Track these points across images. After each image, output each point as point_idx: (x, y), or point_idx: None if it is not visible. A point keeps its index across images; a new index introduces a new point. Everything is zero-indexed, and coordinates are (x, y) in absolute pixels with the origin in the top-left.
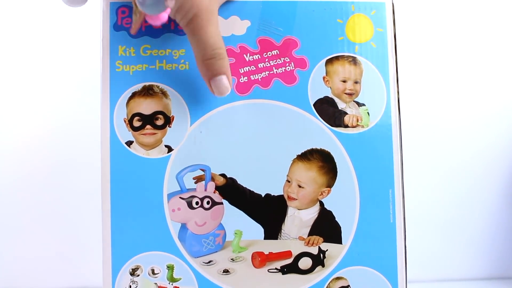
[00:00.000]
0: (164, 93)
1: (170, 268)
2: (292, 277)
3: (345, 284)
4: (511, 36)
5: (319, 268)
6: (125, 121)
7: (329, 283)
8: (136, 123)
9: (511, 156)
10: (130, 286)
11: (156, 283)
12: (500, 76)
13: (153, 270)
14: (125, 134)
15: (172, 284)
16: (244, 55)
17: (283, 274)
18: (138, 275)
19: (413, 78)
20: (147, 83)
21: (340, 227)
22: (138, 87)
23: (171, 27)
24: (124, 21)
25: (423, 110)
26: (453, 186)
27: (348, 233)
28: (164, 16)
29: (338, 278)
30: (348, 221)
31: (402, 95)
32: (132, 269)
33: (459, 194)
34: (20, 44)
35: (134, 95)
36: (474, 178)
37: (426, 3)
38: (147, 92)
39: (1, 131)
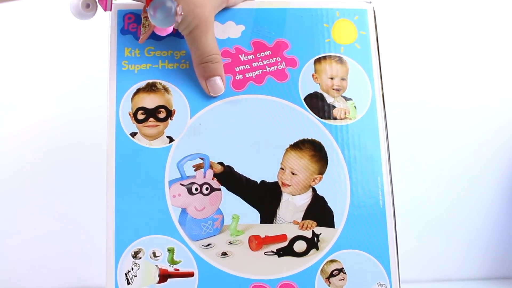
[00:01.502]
0: (166, 89)
1: (171, 251)
2: (288, 259)
3: (339, 267)
4: (496, 32)
5: (313, 251)
6: (129, 115)
7: (323, 266)
8: (140, 116)
9: (511, 152)
10: (132, 269)
11: (157, 266)
12: (485, 72)
13: (154, 253)
14: (129, 126)
15: (172, 266)
16: (239, 56)
17: (279, 256)
18: (140, 258)
19: (398, 74)
20: (150, 80)
21: (333, 212)
22: (142, 84)
23: (173, 32)
24: (130, 26)
25: (417, 106)
26: (452, 185)
27: (340, 218)
28: (170, 29)
29: (332, 261)
30: (340, 206)
31: (396, 91)
32: (135, 252)
33: (458, 193)
34: (37, 46)
35: (138, 91)
36: (473, 176)
37: (406, 8)
38: (150, 88)
39: (14, 125)
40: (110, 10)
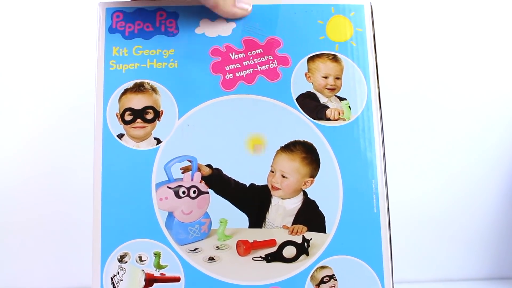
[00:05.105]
0: (154, 89)
1: (157, 255)
2: (277, 265)
3: (330, 273)
4: (496, 30)
5: (303, 256)
6: (117, 116)
7: (313, 272)
8: (128, 117)
9: (510, 151)
10: (118, 273)
11: (143, 270)
12: (485, 71)
13: (140, 257)
14: (116, 127)
15: (158, 271)
16: (230, 54)
17: (267, 262)
18: (126, 262)
19: (396, 73)
20: (138, 80)
21: (324, 216)
22: (130, 84)
23: (162, 30)
24: (119, 25)
25: (415, 106)
26: (452, 186)
27: (332, 223)
28: None
29: (322, 267)
30: (332, 211)
31: (394, 91)
32: (120, 256)
33: (458, 194)
34: (23, 45)
35: (126, 91)
36: (473, 177)
37: (405, 4)
38: (138, 88)
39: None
40: None
